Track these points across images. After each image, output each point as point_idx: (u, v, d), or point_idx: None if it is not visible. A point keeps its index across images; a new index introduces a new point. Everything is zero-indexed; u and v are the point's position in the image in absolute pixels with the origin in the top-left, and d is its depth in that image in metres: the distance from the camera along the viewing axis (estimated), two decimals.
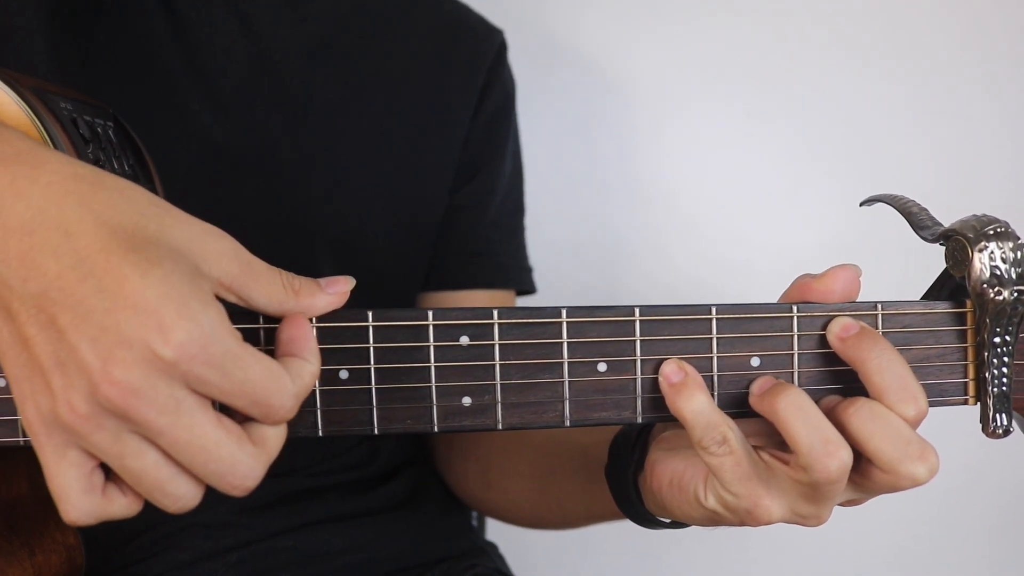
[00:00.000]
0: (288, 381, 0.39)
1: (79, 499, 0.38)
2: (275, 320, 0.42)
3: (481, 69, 0.77)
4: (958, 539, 1.10)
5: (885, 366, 0.45)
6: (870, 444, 0.44)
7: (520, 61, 0.83)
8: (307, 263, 0.69)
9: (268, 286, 0.40)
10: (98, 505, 0.39)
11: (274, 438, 0.40)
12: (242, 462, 0.38)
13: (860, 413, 0.45)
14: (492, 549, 0.79)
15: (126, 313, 0.35)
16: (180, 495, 0.39)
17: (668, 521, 0.54)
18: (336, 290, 0.43)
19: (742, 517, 0.47)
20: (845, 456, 0.44)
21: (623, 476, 0.54)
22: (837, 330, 0.47)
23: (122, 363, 0.35)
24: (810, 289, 0.48)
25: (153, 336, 0.35)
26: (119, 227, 0.36)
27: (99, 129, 0.51)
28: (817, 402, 0.46)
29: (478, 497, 0.77)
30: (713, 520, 0.49)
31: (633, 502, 0.54)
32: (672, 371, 0.46)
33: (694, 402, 0.45)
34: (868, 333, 0.46)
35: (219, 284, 0.39)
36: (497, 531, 0.87)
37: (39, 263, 0.36)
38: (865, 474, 0.46)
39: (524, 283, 0.82)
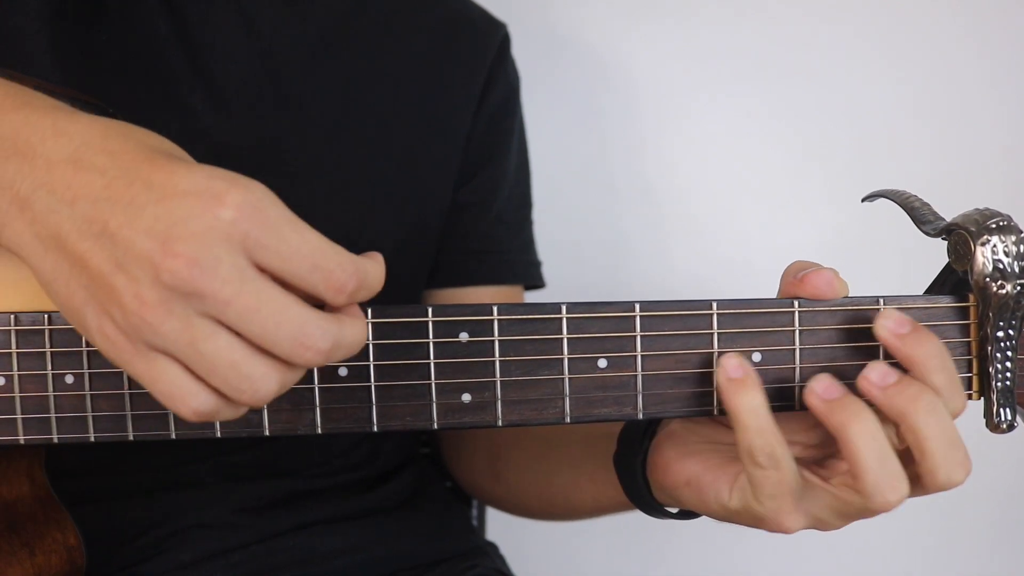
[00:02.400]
0: (345, 251, 0.39)
1: (190, 390, 0.38)
2: None
3: (483, 64, 0.76)
4: (958, 537, 1.09)
5: (942, 365, 0.44)
6: (928, 443, 0.43)
7: (522, 56, 0.82)
8: None
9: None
10: (209, 395, 0.38)
11: (349, 318, 0.39)
12: (311, 322, 0.38)
13: (929, 407, 0.43)
14: (492, 549, 0.79)
15: (178, 198, 0.36)
16: (259, 376, 0.38)
17: (676, 511, 0.54)
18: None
19: (759, 524, 0.47)
20: (905, 490, 0.44)
21: (632, 466, 0.54)
22: (892, 325, 0.45)
23: (180, 238, 0.36)
24: (795, 292, 0.48)
25: (209, 206, 0.36)
26: (159, 148, 0.38)
27: None
28: (857, 379, 0.45)
29: (486, 489, 0.77)
30: (727, 519, 0.49)
31: (642, 492, 0.53)
32: (734, 366, 0.45)
33: (753, 401, 0.44)
34: (922, 329, 0.45)
35: None
36: (497, 531, 0.87)
37: (86, 182, 0.37)
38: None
39: (531, 277, 0.82)
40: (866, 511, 0.45)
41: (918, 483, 0.45)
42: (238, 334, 0.37)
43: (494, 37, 0.78)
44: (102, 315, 0.38)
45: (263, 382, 0.38)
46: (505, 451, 0.72)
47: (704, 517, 0.52)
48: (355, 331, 0.40)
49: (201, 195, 0.36)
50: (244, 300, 0.36)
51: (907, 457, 0.45)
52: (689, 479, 0.49)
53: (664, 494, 0.53)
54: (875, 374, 0.45)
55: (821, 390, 0.45)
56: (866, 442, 0.43)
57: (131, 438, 0.46)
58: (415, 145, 0.73)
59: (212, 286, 0.36)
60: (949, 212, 0.51)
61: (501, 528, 0.86)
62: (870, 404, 0.45)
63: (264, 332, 0.37)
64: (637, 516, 0.67)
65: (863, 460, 0.43)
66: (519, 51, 0.81)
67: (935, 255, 0.52)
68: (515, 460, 0.71)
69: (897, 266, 0.91)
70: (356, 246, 0.70)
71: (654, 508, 0.54)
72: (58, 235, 0.37)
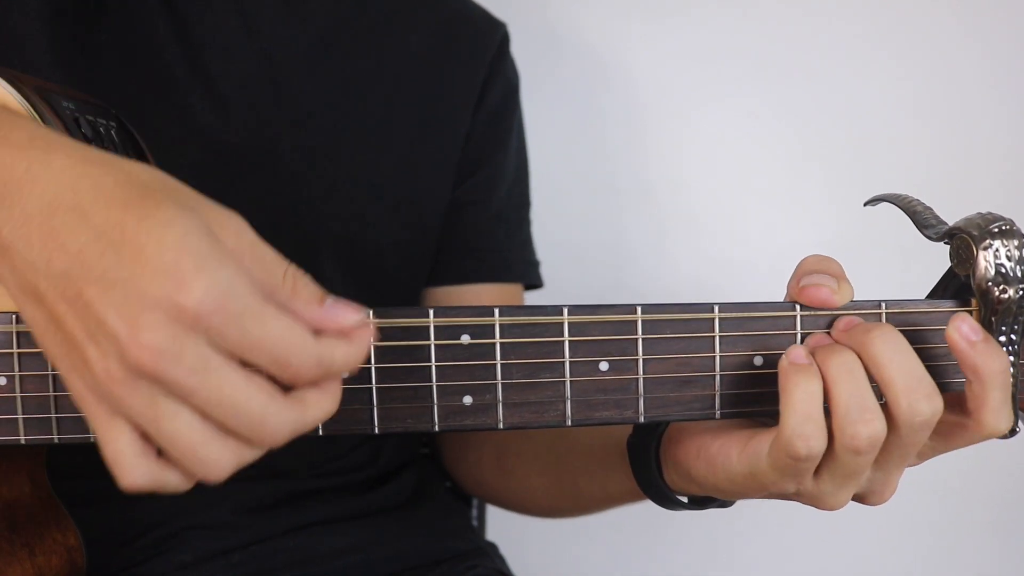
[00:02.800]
0: (310, 342, 0.39)
1: (134, 463, 0.39)
2: None
3: (482, 63, 0.76)
4: (959, 537, 1.09)
5: (1004, 382, 0.45)
6: (887, 371, 0.44)
7: (522, 56, 0.82)
8: (310, 262, 0.69)
9: (267, 266, 0.40)
10: (153, 469, 0.39)
11: (313, 398, 0.40)
12: (272, 414, 0.38)
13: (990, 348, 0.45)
14: (492, 549, 0.79)
15: (146, 278, 0.36)
16: (215, 458, 0.39)
17: (686, 500, 0.54)
18: (338, 319, 0.40)
19: (773, 494, 0.48)
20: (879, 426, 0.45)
21: (646, 449, 0.54)
22: (966, 331, 0.45)
23: (148, 326, 0.36)
24: (796, 298, 0.48)
25: (173, 293, 0.36)
26: (129, 199, 0.38)
27: (101, 129, 0.51)
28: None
29: (493, 485, 0.77)
30: (737, 491, 0.50)
31: (654, 476, 0.54)
32: (797, 354, 0.46)
33: (811, 386, 0.45)
34: (992, 340, 0.46)
35: None
36: (497, 531, 0.87)
37: (61, 243, 0.37)
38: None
39: (530, 277, 0.82)
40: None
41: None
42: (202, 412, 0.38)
43: (493, 36, 0.78)
44: (72, 371, 0.39)
45: (219, 464, 0.39)
46: (515, 444, 0.72)
47: (708, 513, 0.52)
48: (319, 412, 0.40)
49: (168, 278, 0.36)
50: (206, 390, 0.37)
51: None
52: (699, 449, 0.50)
53: (677, 474, 0.52)
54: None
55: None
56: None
57: None
58: (414, 144, 0.73)
59: (177, 375, 0.36)
60: (949, 213, 0.50)
61: (501, 528, 0.86)
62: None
63: (226, 419, 0.38)
64: (637, 516, 0.67)
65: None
66: (518, 51, 0.81)
67: (937, 258, 0.52)
68: (523, 450, 0.71)
69: (898, 269, 0.91)
70: (356, 245, 0.71)
71: (664, 495, 0.54)
72: (36, 291, 0.38)
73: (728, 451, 0.48)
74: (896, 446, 0.46)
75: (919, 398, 0.44)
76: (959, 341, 0.45)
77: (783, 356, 0.46)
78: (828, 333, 0.48)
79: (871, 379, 0.45)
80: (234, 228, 0.39)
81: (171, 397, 0.37)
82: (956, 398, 0.47)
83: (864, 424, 0.44)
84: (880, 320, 0.48)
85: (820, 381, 0.45)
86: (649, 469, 0.54)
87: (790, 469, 0.45)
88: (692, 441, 0.50)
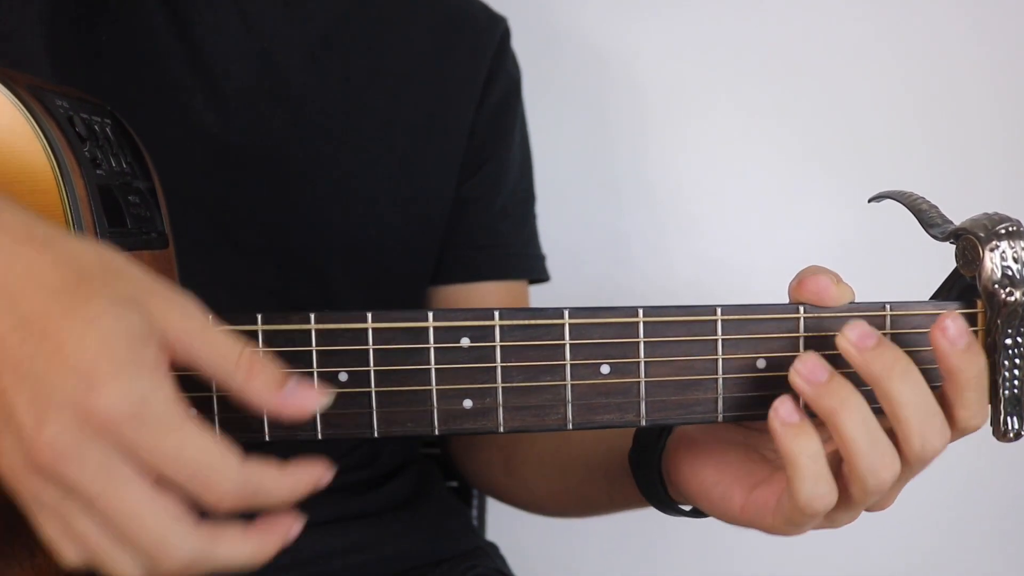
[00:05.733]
0: (233, 463, 0.37)
1: (66, 547, 0.37)
2: (275, 321, 0.42)
3: (484, 60, 0.76)
4: (962, 543, 1.09)
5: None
6: (903, 410, 0.43)
7: (521, 55, 0.82)
8: (315, 262, 0.69)
9: (216, 354, 0.38)
10: (84, 553, 0.37)
11: (230, 535, 0.38)
12: (175, 537, 0.36)
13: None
14: (492, 549, 0.79)
15: (61, 375, 0.35)
16: (119, 561, 0.37)
17: (689, 509, 0.54)
18: (299, 404, 0.38)
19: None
20: (898, 466, 0.44)
21: (649, 464, 0.54)
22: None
23: (54, 425, 0.35)
24: (796, 297, 0.47)
25: (83, 397, 0.35)
26: (61, 288, 0.36)
27: (96, 127, 0.51)
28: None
29: (500, 485, 0.77)
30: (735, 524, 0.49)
31: (657, 490, 0.53)
32: (788, 411, 0.43)
33: (812, 447, 0.43)
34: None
35: (166, 341, 0.37)
36: (497, 531, 0.86)
37: None
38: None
39: (536, 272, 0.81)
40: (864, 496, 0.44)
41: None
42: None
43: (494, 31, 0.78)
44: None
45: (124, 566, 0.37)
46: (521, 447, 0.72)
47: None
48: (232, 552, 0.38)
49: (81, 379, 0.34)
50: (105, 498, 0.36)
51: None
52: (700, 488, 0.49)
53: (679, 494, 0.53)
54: (855, 334, 0.43)
55: (806, 372, 0.43)
56: (858, 428, 0.43)
57: None
58: (417, 142, 0.73)
59: (76, 478, 0.35)
60: (950, 212, 0.50)
61: (501, 528, 0.86)
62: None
63: (126, 534, 0.36)
64: (637, 517, 0.67)
65: (856, 446, 0.43)
66: (518, 48, 0.81)
67: (941, 258, 0.51)
68: (529, 456, 0.71)
69: (902, 270, 0.90)
70: (359, 244, 0.70)
71: (669, 506, 0.54)
72: None
73: (730, 500, 0.48)
74: (906, 474, 0.45)
75: (932, 436, 0.44)
76: (940, 340, 0.44)
77: (771, 412, 0.43)
78: (830, 354, 0.45)
79: (876, 400, 0.44)
80: (181, 308, 0.38)
81: (73, 499, 0.36)
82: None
83: (886, 470, 0.43)
84: (884, 322, 0.47)
85: (816, 437, 0.43)
86: (654, 486, 0.54)
87: (801, 521, 0.45)
88: (696, 476, 0.50)
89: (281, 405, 0.38)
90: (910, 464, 0.44)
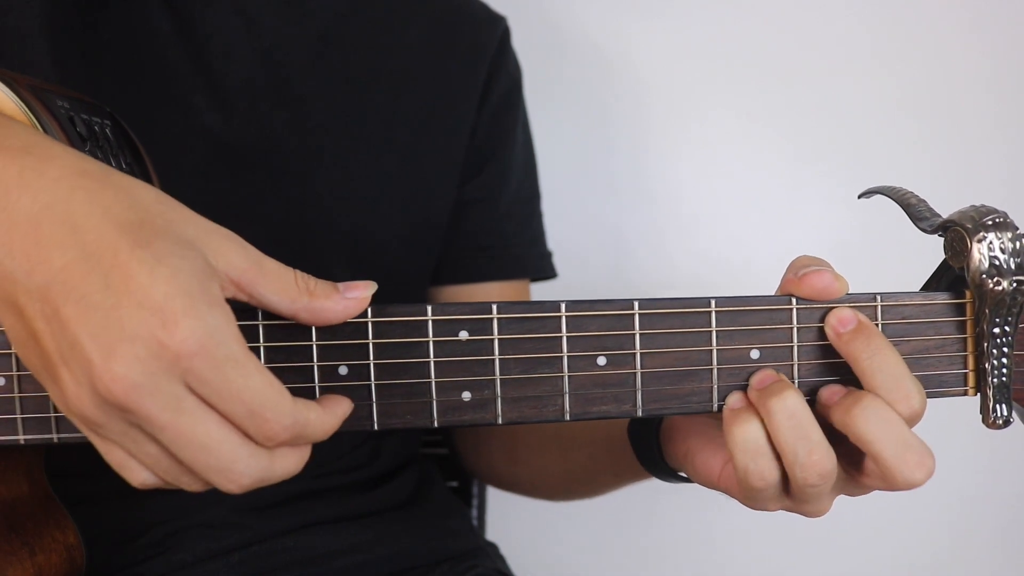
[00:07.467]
0: (289, 401, 0.38)
1: (133, 466, 0.39)
2: (276, 317, 0.42)
3: (484, 59, 0.76)
4: (962, 540, 1.09)
5: (878, 365, 0.45)
6: (873, 447, 0.45)
7: (521, 54, 0.82)
8: (316, 261, 0.69)
9: (279, 282, 0.40)
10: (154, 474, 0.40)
11: (283, 452, 0.40)
12: (242, 460, 0.38)
13: (866, 413, 0.45)
14: (492, 549, 0.79)
15: (130, 309, 0.35)
16: (185, 483, 0.39)
17: (686, 476, 0.56)
18: (355, 295, 0.42)
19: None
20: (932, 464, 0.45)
21: (647, 436, 0.55)
22: (834, 323, 0.47)
23: (124, 358, 0.35)
24: (794, 290, 0.48)
25: (157, 332, 0.35)
26: (126, 222, 0.36)
27: (96, 127, 0.51)
28: (816, 395, 0.47)
29: (506, 474, 0.78)
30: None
31: (656, 460, 0.55)
32: (736, 399, 0.47)
33: (749, 432, 0.46)
34: (865, 328, 0.46)
35: (229, 280, 0.39)
36: (497, 531, 0.87)
37: (45, 255, 0.36)
38: (864, 471, 0.47)
39: (541, 270, 0.82)
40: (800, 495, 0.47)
41: (877, 484, 0.47)
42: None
43: (494, 31, 0.78)
44: (50, 384, 0.38)
45: (191, 486, 0.40)
46: (523, 434, 0.73)
47: (709, 516, 0.53)
48: (286, 467, 0.40)
49: (153, 315, 0.35)
50: (177, 429, 0.37)
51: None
52: (686, 456, 0.52)
53: (672, 460, 0.55)
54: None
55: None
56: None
57: None
58: (419, 141, 0.73)
59: (148, 410, 0.36)
60: (946, 209, 0.51)
61: (501, 528, 0.86)
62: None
63: (193, 461, 0.38)
64: (637, 516, 0.67)
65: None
66: (519, 48, 0.81)
67: (932, 251, 0.52)
68: (532, 442, 0.72)
69: (893, 263, 0.91)
70: (361, 243, 0.71)
71: (666, 472, 0.56)
72: (15, 303, 0.37)
73: (711, 467, 0.50)
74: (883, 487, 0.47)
75: (911, 468, 0.45)
76: (831, 335, 0.47)
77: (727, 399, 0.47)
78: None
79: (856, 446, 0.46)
80: (236, 249, 0.39)
81: (140, 429, 0.37)
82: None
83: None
84: (875, 313, 0.48)
85: (759, 424, 0.45)
86: (651, 453, 0.56)
87: (754, 495, 0.47)
88: (684, 443, 0.52)
89: (347, 306, 0.41)
90: (892, 485, 0.46)
